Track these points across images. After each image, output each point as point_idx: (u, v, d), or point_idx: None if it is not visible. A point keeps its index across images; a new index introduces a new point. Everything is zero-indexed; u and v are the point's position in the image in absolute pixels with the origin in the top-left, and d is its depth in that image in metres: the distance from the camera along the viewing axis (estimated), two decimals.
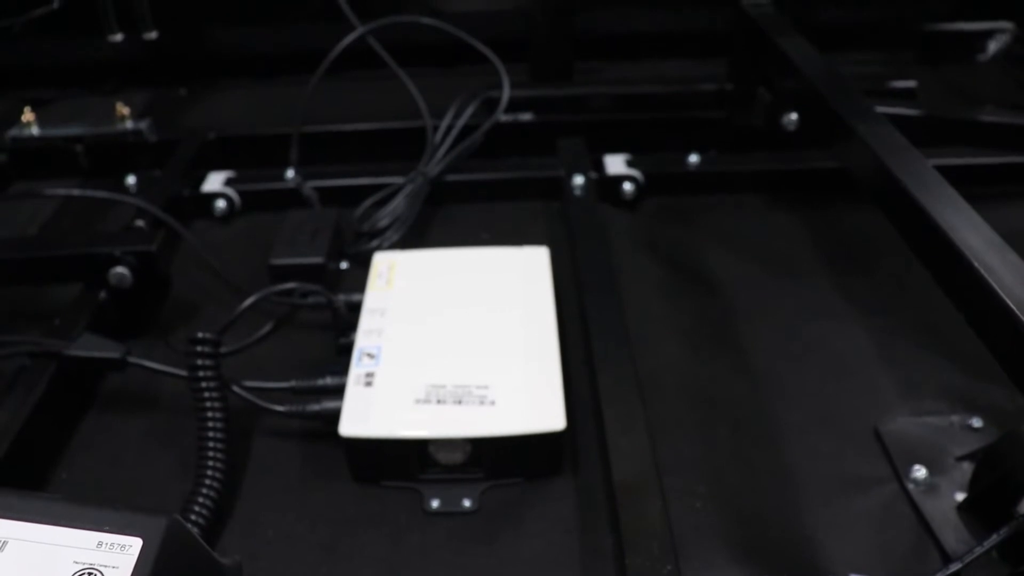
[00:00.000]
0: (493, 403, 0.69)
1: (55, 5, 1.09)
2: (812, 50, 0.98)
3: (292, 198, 1.05)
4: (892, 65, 1.44)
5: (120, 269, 0.85)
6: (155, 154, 1.15)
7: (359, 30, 1.05)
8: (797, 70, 0.94)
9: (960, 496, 0.68)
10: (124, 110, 1.16)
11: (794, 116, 1.00)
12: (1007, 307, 0.56)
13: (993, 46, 1.45)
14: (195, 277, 0.96)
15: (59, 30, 1.13)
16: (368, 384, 0.72)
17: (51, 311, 0.87)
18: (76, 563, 0.42)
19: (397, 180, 1.03)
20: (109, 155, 1.16)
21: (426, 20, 1.09)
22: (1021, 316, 0.55)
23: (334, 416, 0.70)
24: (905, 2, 1.40)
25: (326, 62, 1.03)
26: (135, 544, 0.42)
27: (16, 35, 1.08)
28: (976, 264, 0.60)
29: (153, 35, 1.22)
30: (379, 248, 0.96)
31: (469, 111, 1.08)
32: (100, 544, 0.42)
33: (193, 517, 0.65)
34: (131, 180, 1.14)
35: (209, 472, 0.68)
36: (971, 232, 0.63)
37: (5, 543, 0.42)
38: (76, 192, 1.04)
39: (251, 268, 0.96)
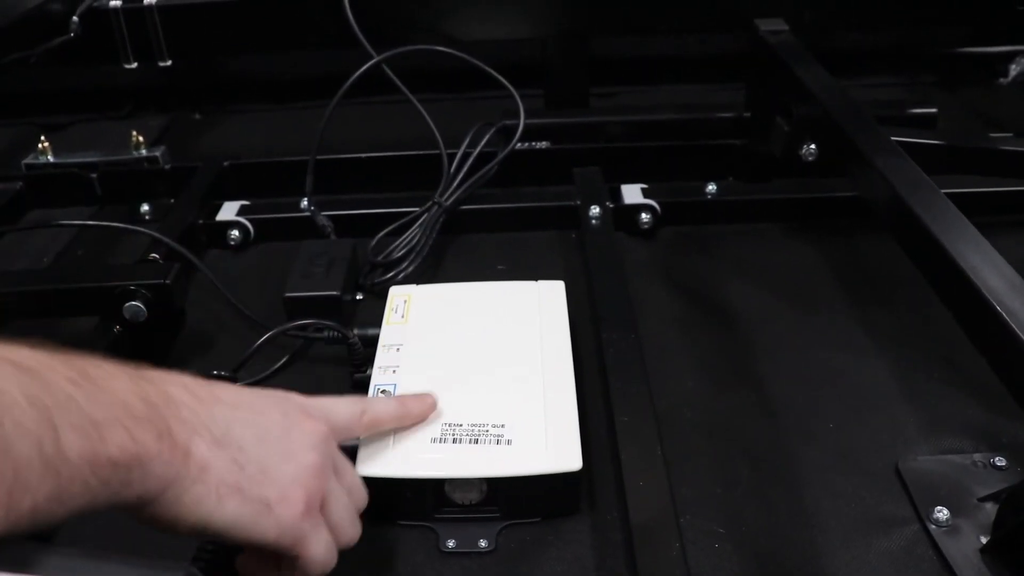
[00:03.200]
0: (509, 443, 0.69)
1: (72, 34, 1.10)
2: (829, 78, 0.97)
3: (306, 227, 1.05)
4: (913, 89, 1.44)
5: (135, 303, 0.84)
6: (170, 181, 1.16)
7: (375, 59, 1.05)
8: (814, 99, 0.94)
9: (984, 538, 0.66)
10: (139, 137, 1.16)
11: (812, 147, 1.00)
12: None
13: (1014, 69, 1.45)
14: (210, 308, 0.96)
15: (75, 59, 1.14)
16: None
17: (66, 344, 0.86)
18: None
19: (413, 210, 1.03)
20: (124, 182, 1.17)
21: (441, 48, 1.09)
22: None
23: (350, 454, 0.69)
24: (926, 26, 1.40)
25: (341, 91, 1.03)
26: None
27: (33, 64, 1.08)
28: (997, 307, 0.59)
29: (168, 63, 1.22)
30: (394, 279, 0.96)
31: (484, 139, 1.08)
32: None
33: (207, 556, 0.65)
34: (145, 208, 1.15)
35: None
36: (992, 272, 0.63)
37: None
38: (92, 223, 1.04)
39: (266, 299, 0.96)
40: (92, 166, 1.16)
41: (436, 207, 1.02)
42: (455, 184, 1.04)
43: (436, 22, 1.22)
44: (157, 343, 0.89)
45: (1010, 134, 1.17)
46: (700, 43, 1.43)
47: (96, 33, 1.16)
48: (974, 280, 0.62)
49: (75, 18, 1.11)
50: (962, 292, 0.64)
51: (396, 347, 0.79)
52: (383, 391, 0.74)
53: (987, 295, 0.61)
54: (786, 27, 1.11)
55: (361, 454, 0.68)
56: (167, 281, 0.86)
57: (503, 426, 0.70)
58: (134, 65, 1.22)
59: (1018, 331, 0.57)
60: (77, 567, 0.42)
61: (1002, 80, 1.44)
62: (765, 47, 1.08)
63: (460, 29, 1.22)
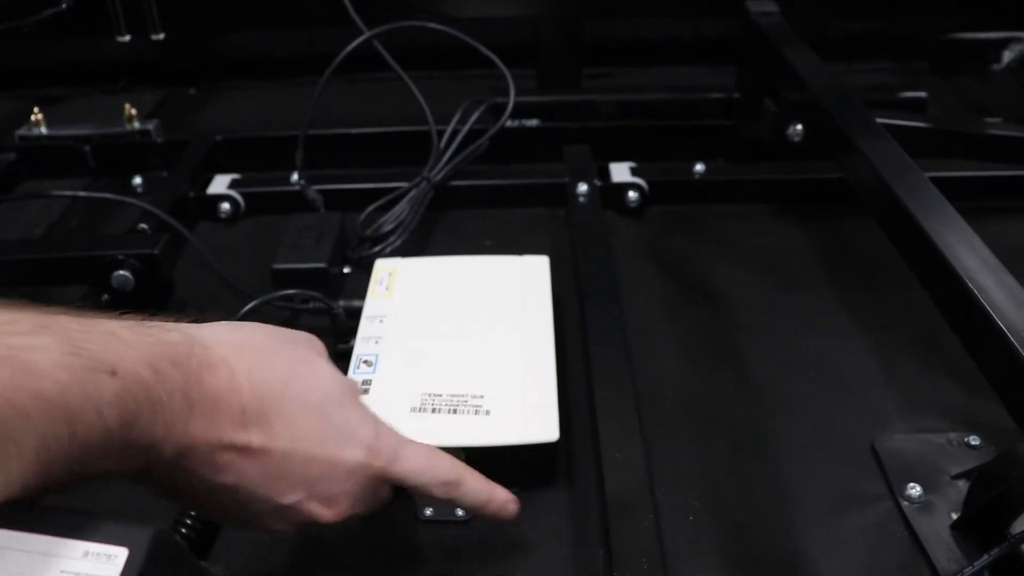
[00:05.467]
0: (488, 413, 0.69)
1: (64, 6, 1.10)
2: (818, 61, 0.98)
3: (297, 201, 1.05)
4: (906, 75, 1.44)
5: (123, 272, 0.85)
6: (162, 155, 1.17)
7: (366, 34, 1.05)
8: (801, 81, 0.94)
9: (954, 515, 0.67)
10: (132, 111, 1.16)
11: (799, 127, 1.00)
12: (999, 328, 0.56)
13: (1007, 56, 1.45)
14: (199, 280, 0.97)
15: (68, 31, 1.14)
16: (365, 391, 0.72)
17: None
18: (63, 572, 0.42)
19: (402, 185, 1.03)
20: (117, 155, 1.17)
21: (433, 25, 1.09)
22: (1012, 338, 0.55)
23: None
24: (919, 12, 1.40)
25: (331, 67, 1.04)
26: (121, 554, 0.42)
27: (25, 35, 1.08)
28: (970, 284, 0.59)
29: (160, 36, 1.22)
30: (382, 252, 0.96)
31: (474, 116, 1.08)
32: (86, 554, 0.42)
33: (189, 521, 0.65)
34: (138, 180, 1.15)
35: None
36: (967, 252, 0.63)
37: None
38: (83, 194, 1.05)
39: (255, 271, 0.96)
40: (85, 138, 1.16)
41: (425, 183, 1.02)
42: (444, 160, 1.04)
43: None
44: (146, 313, 0.90)
45: (999, 119, 1.17)
46: (694, 25, 1.43)
47: (88, 4, 1.16)
48: (948, 259, 0.63)
49: None
50: (937, 270, 0.64)
51: (380, 319, 0.80)
52: (365, 362, 0.75)
53: (960, 273, 0.61)
54: (776, 9, 1.11)
55: None
56: (155, 251, 0.87)
57: (482, 397, 0.71)
58: (127, 38, 1.22)
59: (989, 309, 0.58)
60: (48, 521, 0.43)
61: (995, 66, 1.44)
62: (755, 28, 1.08)
63: (453, 6, 1.22)
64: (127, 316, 0.46)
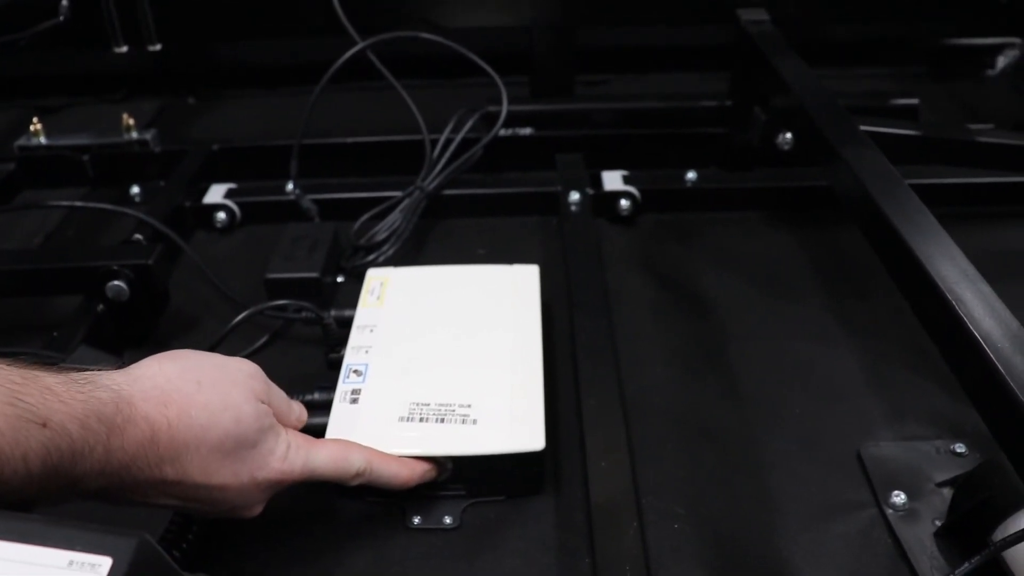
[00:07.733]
0: (475, 422, 0.70)
1: (61, 19, 1.10)
2: (805, 69, 0.98)
3: (292, 210, 1.06)
4: (901, 80, 1.44)
5: (117, 283, 0.86)
6: (160, 164, 1.17)
7: (359, 45, 1.06)
8: (788, 89, 0.94)
9: (938, 523, 0.68)
10: (130, 120, 1.17)
11: (788, 136, 1.00)
12: (975, 339, 0.56)
13: (1002, 61, 1.45)
14: (194, 289, 0.98)
15: (66, 42, 1.15)
16: (354, 401, 0.73)
17: (54, 322, 0.88)
18: None
19: (395, 194, 1.04)
20: (115, 165, 1.18)
21: (426, 35, 1.10)
22: (987, 348, 0.55)
23: (320, 431, 0.71)
24: (915, 17, 1.40)
25: (325, 78, 1.05)
26: (104, 563, 0.43)
27: (23, 48, 1.09)
28: (948, 295, 0.60)
29: (157, 47, 1.24)
30: (375, 262, 0.97)
31: (468, 125, 1.09)
32: (71, 563, 0.43)
33: (175, 528, 0.66)
34: (136, 190, 1.16)
35: None
36: (945, 262, 0.64)
37: None
38: (79, 204, 1.05)
39: (250, 280, 0.97)
40: (84, 148, 1.17)
41: (418, 192, 1.03)
42: (437, 169, 1.05)
43: (422, 9, 1.23)
44: (141, 323, 0.91)
45: (991, 125, 1.17)
46: (690, 31, 1.44)
47: (86, 17, 1.17)
48: (927, 269, 0.63)
49: (64, 2, 1.12)
50: (916, 281, 0.65)
51: (370, 328, 0.81)
52: (355, 371, 0.76)
53: (939, 283, 0.61)
54: (767, 17, 1.11)
55: (330, 431, 0.70)
56: (149, 262, 0.87)
57: (469, 406, 0.71)
58: (124, 49, 1.23)
59: (966, 319, 0.58)
60: (32, 531, 0.43)
61: (990, 71, 1.45)
62: (746, 37, 1.09)
63: (446, 16, 1.23)
64: (65, 370, 0.52)
